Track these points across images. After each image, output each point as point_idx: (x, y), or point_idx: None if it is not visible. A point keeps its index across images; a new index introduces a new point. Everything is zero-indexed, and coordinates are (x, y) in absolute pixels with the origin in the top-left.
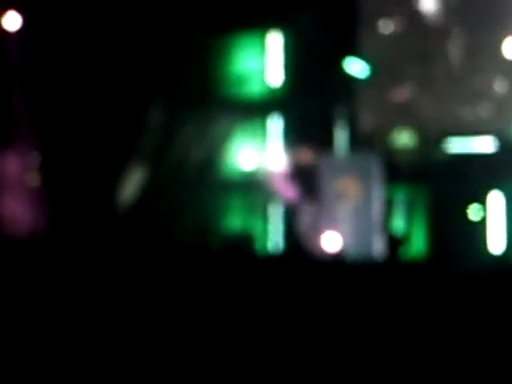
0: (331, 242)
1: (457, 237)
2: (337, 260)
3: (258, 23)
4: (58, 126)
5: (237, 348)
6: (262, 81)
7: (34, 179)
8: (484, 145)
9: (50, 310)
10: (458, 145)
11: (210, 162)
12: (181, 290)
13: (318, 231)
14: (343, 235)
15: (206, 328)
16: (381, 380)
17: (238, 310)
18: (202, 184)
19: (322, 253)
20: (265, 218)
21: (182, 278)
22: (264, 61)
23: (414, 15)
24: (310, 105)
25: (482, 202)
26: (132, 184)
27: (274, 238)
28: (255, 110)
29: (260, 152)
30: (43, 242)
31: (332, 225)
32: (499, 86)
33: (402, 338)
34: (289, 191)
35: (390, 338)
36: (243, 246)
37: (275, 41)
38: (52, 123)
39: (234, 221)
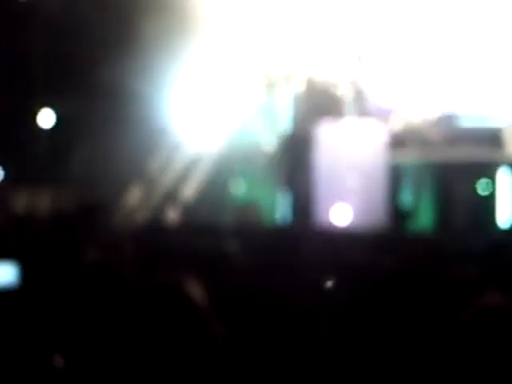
0: (340, 213)
1: (464, 210)
2: (344, 231)
3: None
4: None
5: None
6: None
7: None
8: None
9: None
10: (467, 118)
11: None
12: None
13: (326, 203)
14: (351, 206)
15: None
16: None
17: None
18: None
19: (331, 225)
20: (274, 190)
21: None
22: None
23: None
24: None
25: (491, 176)
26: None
27: (283, 210)
28: None
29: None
30: None
31: (341, 196)
32: None
33: (404, 309)
34: None
35: (393, 307)
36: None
37: None
38: None
39: (244, 192)
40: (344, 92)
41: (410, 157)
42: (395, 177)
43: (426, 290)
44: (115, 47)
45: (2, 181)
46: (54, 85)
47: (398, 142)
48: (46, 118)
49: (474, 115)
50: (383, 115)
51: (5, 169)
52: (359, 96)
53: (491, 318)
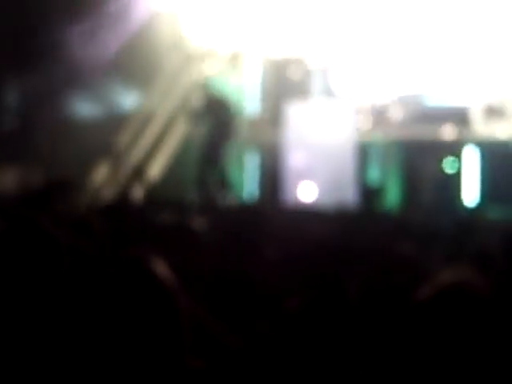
0: (306, 191)
1: (431, 188)
2: (311, 209)
3: None
4: None
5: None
6: None
7: None
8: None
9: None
10: (434, 97)
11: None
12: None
13: (293, 180)
14: (318, 184)
15: None
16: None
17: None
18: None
19: (297, 202)
20: (241, 166)
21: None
22: None
23: None
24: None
25: (457, 154)
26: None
27: (250, 186)
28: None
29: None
30: None
31: (307, 174)
32: None
33: (371, 286)
34: None
35: (359, 285)
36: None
37: None
38: None
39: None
40: (310, 71)
41: (377, 135)
42: (362, 155)
43: (392, 270)
44: (77, 17)
45: None
46: (16, 59)
47: (365, 120)
48: (10, 94)
49: (440, 94)
50: (350, 94)
51: None
52: (325, 76)
53: (446, 296)
